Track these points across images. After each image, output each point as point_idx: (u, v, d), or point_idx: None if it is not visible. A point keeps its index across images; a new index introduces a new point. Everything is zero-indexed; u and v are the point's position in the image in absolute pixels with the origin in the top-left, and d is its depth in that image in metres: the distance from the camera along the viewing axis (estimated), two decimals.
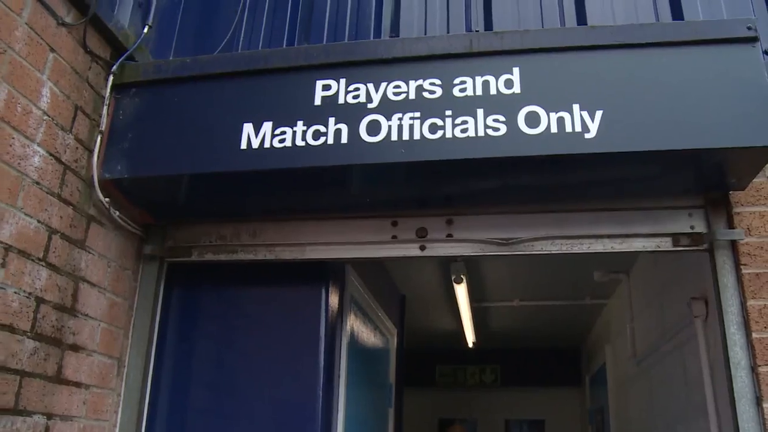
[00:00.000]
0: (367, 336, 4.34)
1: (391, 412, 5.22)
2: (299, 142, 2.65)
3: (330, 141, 2.63)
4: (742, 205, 2.75)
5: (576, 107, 2.51)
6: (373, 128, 2.62)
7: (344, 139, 2.62)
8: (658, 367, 4.41)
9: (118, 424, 2.94)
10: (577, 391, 8.87)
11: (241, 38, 3.43)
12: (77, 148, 2.71)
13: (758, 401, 2.51)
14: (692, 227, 2.80)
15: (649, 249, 2.86)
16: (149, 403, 3.05)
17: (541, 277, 6.12)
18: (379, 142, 2.60)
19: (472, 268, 5.49)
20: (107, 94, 2.88)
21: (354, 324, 3.79)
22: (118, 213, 2.92)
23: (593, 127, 2.47)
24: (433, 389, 9.46)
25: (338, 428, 3.22)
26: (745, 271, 2.66)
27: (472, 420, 9.32)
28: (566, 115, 2.50)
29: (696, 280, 3.13)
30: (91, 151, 2.79)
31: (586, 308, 6.86)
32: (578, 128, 2.48)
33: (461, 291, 5.76)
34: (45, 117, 2.52)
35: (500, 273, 6.07)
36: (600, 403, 7.06)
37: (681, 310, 3.48)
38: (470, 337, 7.74)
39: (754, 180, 2.67)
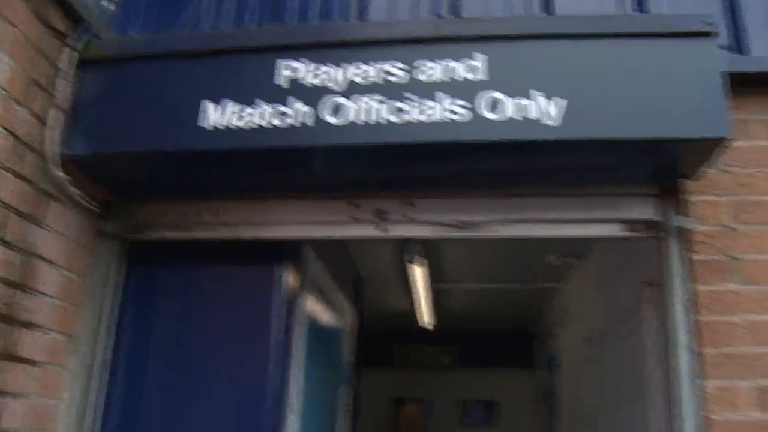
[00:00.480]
0: (325, 316, 4.36)
1: (348, 392, 5.26)
2: (263, 123, 2.64)
3: (294, 122, 2.62)
4: (695, 194, 2.84)
5: (539, 95, 2.54)
6: (338, 110, 2.62)
7: (308, 121, 2.62)
8: (608, 351, 4.51)
9: (72, 402, 2.92)
10: (532, 373, 9.03)
11: (208, 16, 3.37)
12: (35, 123, 2.65)
13: (698, 380, 2.62)
14: (646, 214, 2.88)
15: (604, 235, 2.94)
16: (107, 381, 3.03)
17: (498, 260, 6.19)
18: (343, 124, 2.61)
19: (430, 250, 5.53)
20: (70, 70, 2.82)
21: (312, 304, 3.80)
22: (76, 190, 2.87)
23: (555, 115, 2.51)
24: (390, 369, 9.52)
25: (293, 407, 3.24)
26: (695, 257, 2.76)
27: (429, 400, 9.40)
28: (529, 102, 2.54)
29: (648, 266, 3.21)
30: (49, 127, 2.73)
31: (540, 291, 6.97)
32: (540, 115, 2.52)
33: (418, 272, 5.81)
34: (1, 91, 2.45)
35: (458, 255, 6.13)
36: (553, 384, 7.21)
37: (632, 295, 3.57)
38: (427, 319, 7.81)
39: (707, 170, 2.75)
